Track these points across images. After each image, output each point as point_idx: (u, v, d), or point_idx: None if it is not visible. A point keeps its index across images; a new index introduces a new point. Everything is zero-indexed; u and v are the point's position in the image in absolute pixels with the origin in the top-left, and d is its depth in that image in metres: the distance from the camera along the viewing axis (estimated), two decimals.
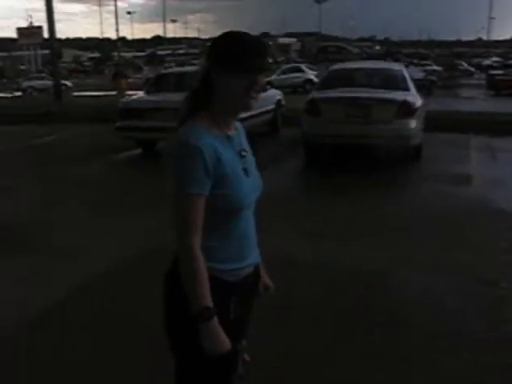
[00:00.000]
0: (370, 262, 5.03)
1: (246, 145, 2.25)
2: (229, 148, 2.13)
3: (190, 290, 2.01)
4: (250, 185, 2.16)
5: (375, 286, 4.58)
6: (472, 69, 41.72)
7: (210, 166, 2.03)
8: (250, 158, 2.24)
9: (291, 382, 3.36)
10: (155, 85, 11.25)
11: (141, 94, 11.65)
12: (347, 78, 9.71)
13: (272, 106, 12.23)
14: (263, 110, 11.10)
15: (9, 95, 29.41)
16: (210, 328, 2.00)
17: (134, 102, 10.63)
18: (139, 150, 10.81)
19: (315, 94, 9.36)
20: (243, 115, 2.20)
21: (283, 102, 13.27)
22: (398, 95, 8.84)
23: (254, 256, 2.24)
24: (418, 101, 9.07)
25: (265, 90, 10.74)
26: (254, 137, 9.70)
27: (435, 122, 11.30)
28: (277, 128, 12.63)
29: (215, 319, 2.00)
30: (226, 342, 2.03)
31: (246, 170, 2.17)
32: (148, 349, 3.54)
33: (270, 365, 3.40)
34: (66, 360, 3.57)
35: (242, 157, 2.18)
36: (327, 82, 9.82)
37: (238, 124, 2.28)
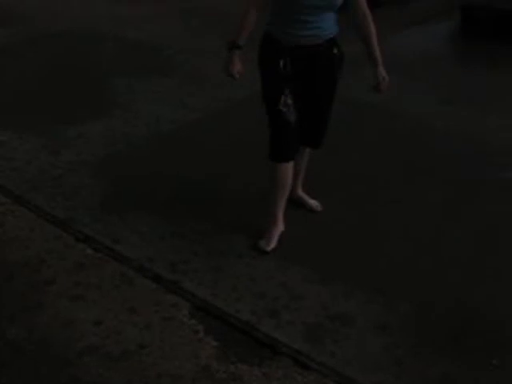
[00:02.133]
0: (496, 136, 4.76)
1: None
2: None
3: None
4: None
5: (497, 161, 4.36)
6: None
7: None
8: None
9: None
10: None
11: None
12: None
13: None
14: None
15: None
16: (229, 55, 2.96)
17: None
18: None
19: None
20: None
21: None
22: None
23: (311, 37, 2.91)
24: None
25: None
26: None
27: None
28: None
29: (235, 52, 2.95)
30: (234, 69, 2.97)
31: None
32: None
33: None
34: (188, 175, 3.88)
35: None
36: None
37: None
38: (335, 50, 3.03)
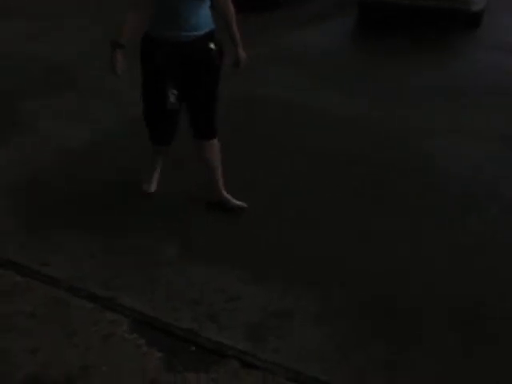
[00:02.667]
0: (405, 123, 5.02)
1: None
2: None
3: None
4: None
5: (408, 146, 4.59)
6: None
7: None
8: None
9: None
10: None
11: None
12: None
13: None
14: None
15: None
16: (112, 54, 3.17)
17: None
18: None
19: None
20: None
21: None
22: None
23: (186, 33, 3.16)
24: None
25: None
26: None
27: None
28: None
29: (117, 51, 3.15)
30: (116, 68, 3.17)
31: None
32: None
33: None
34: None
35: None
36: None
37: None
38: (212, 45, 3.25)
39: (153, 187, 3.76)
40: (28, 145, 4.43)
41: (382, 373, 2.49)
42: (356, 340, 2.65)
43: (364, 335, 2.68)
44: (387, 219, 3.59)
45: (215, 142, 3.53)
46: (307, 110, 5.22)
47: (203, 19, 3.20)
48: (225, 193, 3.64)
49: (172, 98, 3.26)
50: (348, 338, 2.66)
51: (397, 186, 3.98)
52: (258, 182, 3.96)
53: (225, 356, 2.53)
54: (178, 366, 2.47)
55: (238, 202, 3.63)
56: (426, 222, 3.59)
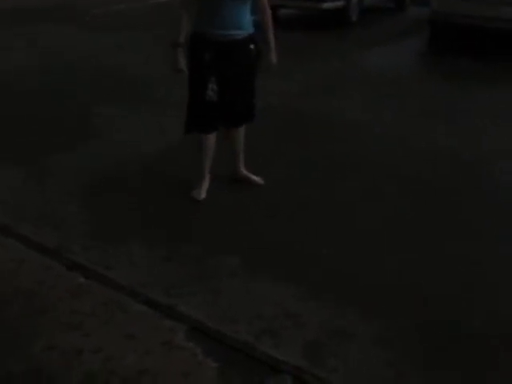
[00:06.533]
0: (473, 148, 4.89)
1: None
2: None
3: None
4: None
5: (478, 174, 4.47)
6: None
7: None
8: None
9: None
10: None
11: None
12: None
13: None
14: None
15: None
16: (174, 52, 3.58)
17: None
18: None
19: None
20: None
21: None
22: None
23: (230, 32, 3.54)
24: None
25: None
26: (377, 12, 9.51)
27: None
28: (403, 4, 11.89)
29: (179, 50, 3.58)
30: (178, 65, 3.59)
31: None
32: None
33: None
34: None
35: None
36: None
37: None
38: (252, 46, 3.66)
39: (202, 195, 3.87)
40: (103, 150, 4.61)
41: None
42: (416, 365, 2.58)
43: (425, 360, 2.61)
44: (453, 242, 3.51)
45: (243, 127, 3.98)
46: (371, 128, 5.19)
47: (245, 21, 3.59)
48: (244, 169, 4.06)
49: (211, 92, 3.58)
50: (408, 363, 2.59)
51: (464, 209, 3.88)
52: (320, 198, 3.96)
53: (280, 371, 2.51)
54: (234, 376, 2.47)
55: (256, 178, 4.04)
56: (490, 247, 3.48)
